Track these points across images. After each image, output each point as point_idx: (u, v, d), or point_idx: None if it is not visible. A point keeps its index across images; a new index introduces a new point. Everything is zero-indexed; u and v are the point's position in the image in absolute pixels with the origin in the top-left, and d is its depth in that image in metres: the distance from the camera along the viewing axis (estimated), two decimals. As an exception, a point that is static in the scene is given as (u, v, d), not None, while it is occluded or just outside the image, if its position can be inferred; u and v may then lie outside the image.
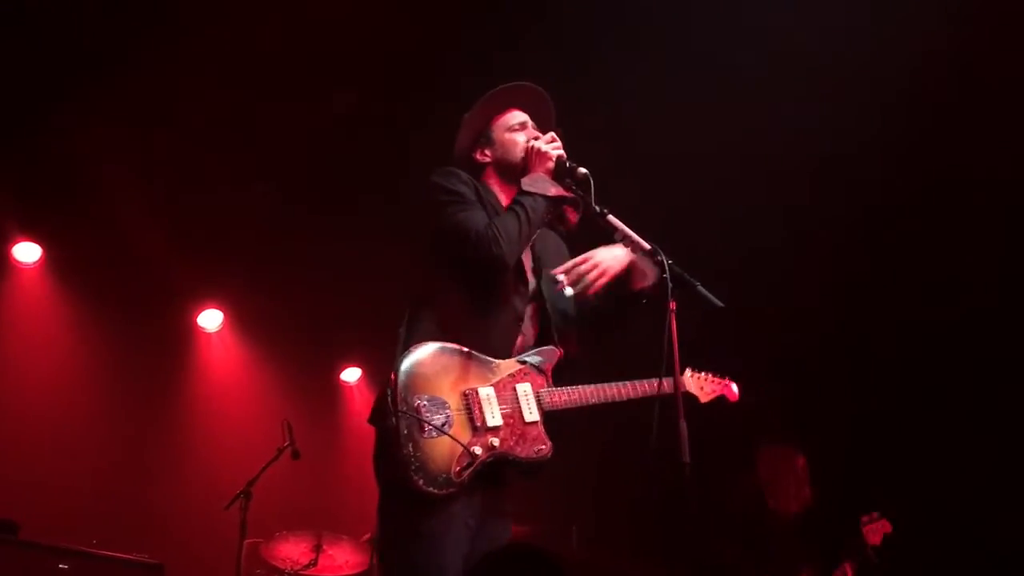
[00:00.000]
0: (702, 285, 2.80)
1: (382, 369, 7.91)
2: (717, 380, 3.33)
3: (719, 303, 2.79)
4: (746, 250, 5.95)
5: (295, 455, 5.45)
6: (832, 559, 4.82)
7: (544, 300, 3.11)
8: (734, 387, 3.35)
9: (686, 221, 5.42)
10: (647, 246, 2.87)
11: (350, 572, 5.78)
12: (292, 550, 5.60)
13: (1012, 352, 5.70)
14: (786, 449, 5.12)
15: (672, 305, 2.73)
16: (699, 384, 3.30)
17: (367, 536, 6.00)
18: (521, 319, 3.05)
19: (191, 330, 7.22)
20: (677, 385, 2.73)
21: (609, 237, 2.96)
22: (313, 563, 5.58)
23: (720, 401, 3.33)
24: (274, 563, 5.62)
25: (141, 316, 6.81)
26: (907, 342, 6.07)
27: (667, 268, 2.77)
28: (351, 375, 7.88)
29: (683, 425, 2.71)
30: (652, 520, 5.59)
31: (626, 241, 2.90)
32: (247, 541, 5.35)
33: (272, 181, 6.42)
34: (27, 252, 6.57)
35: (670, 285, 2.75)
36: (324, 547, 5.62)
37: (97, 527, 5.54)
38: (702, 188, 5.73)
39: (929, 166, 5.66)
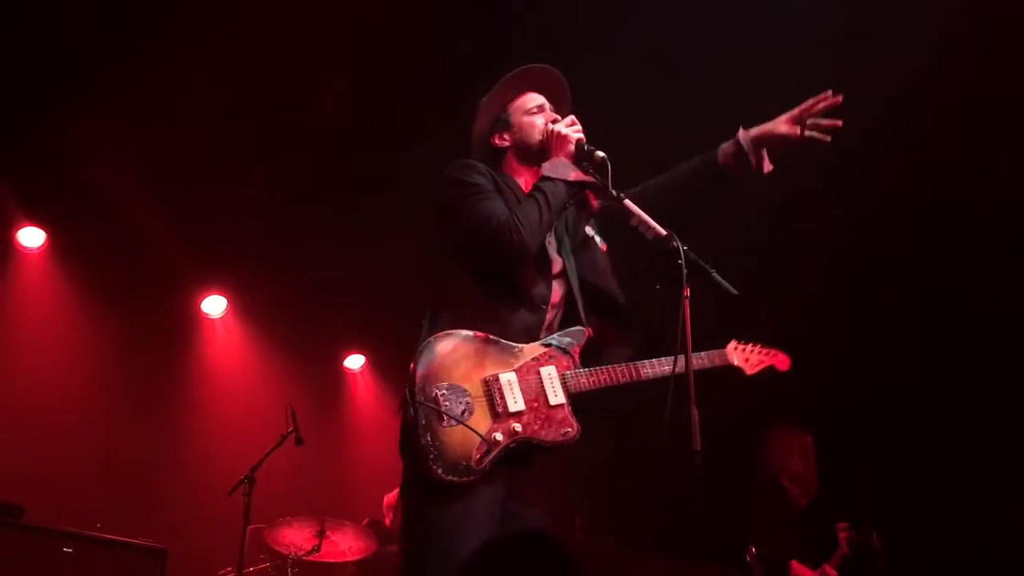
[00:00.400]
0: (717, 272, 2.78)
1: (386, 356, 7.98)
2: (765, 351, 3.27)
3: (733, 290, 2.78)
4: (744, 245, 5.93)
5: (298, 441, 5.45)
6: (826, 547, 4.81)
7: (570, 280, 3.09)
8: (784, 358, 3.29)
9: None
10: (663, 232, 2.84)
11: (353, 558, 5.81)
12: (295, 536, 5.61)
13: (1009, 353, 5.69)
14: (794, 432, 5.10)
15: (687, 292, 2.71)
16: (744, 356, 3.24)
17: (366, 521, 6.02)
18: (547, 302, 3.03)
19: (195, 316, 7.23)
20: (689, 370, 2.70)
21: (625, 221, 2.94)
22: (316, 549, 5.59)
23: (768, 373, 3.26)
24: (277, 548, 5.63)
25: (145, 302, 6.82)
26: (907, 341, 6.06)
27: (682, 254, 2.74)
28: (354, 362, 7.89)
29: (695, 412, 2.68)
30: (660, 509, 5.60)
31: (642, 226, 2.88)
32: (250, 527, 5.36)
33: (275, 168, 6.40)
34: (32, 237, 6.59)
35: (685, 272, 2.72)
36: (327, 533, 5.63)
37: (101, 512, 5.56)
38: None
39: (932, 161, 5.64)
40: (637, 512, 6.22)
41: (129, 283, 6.72)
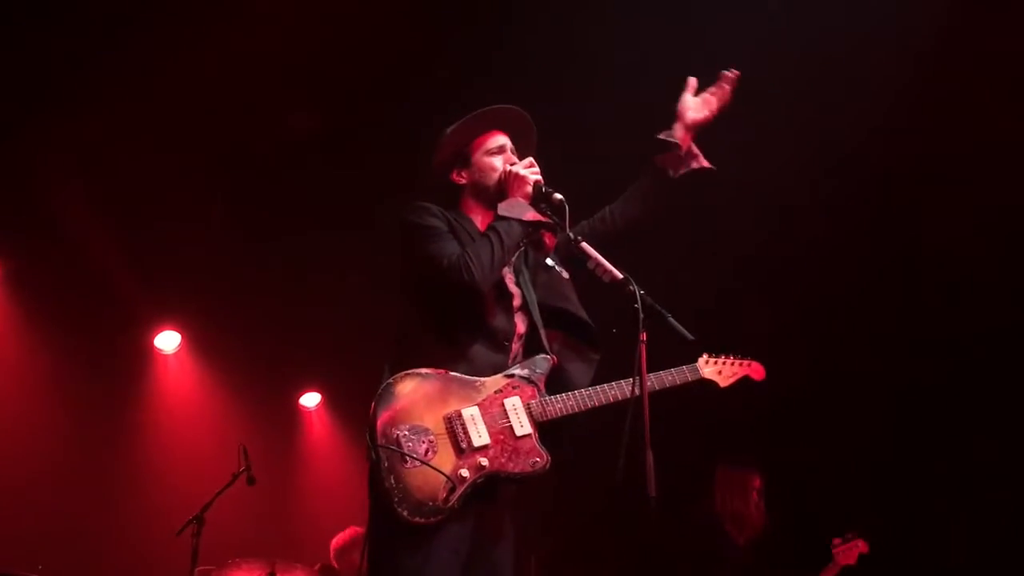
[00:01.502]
0: (673, 316, 2.80)
1: (343, 394, 7.91)
2: (739, 362, 3.28)
3: (689, 336, 2.80)
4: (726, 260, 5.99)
5: (250, 481, 5.34)
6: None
7: (531, 312, 3.10)
8: (758, 367, 3.30)
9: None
10: (619, 275, 2.88)
11: (303, 602, 5.66)
12: (245, 578, 5.47)
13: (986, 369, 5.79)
14: (742, 469, 5.13)
15: (643, 336, 2.73)
16: (716, 368, 3.24)
17: (318, 566, 5.90)
18: (510, 338, 3.05)
19: (148, 351, 7.09)
20: (646, 413, 2.71)
21: (582, 263, 2.97)
22: (266, 592, 5.45)
23: (743, 383, 3.27)
24: (226, 592, 5.48)
25: (97, 335, 6.68)
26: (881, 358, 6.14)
27: (639, 298, 2.77)
28: (310, 400, 7.78)
29: (650, 456, 2.69)
30: (614, 550, 5.58)
31: (599, 270, 2.91)
32: (198, 568, 5.22)
33: (233, 203, 6.36)
34: (-17, 268, 6.43)
35: (641, 316, 2.75)
36: (277, 575, 5.49)
37: (44, 552, 5.40)
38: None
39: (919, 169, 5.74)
40: (590, 552, 6.19)
41: (81, 316, 6.58)
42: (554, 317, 3.14)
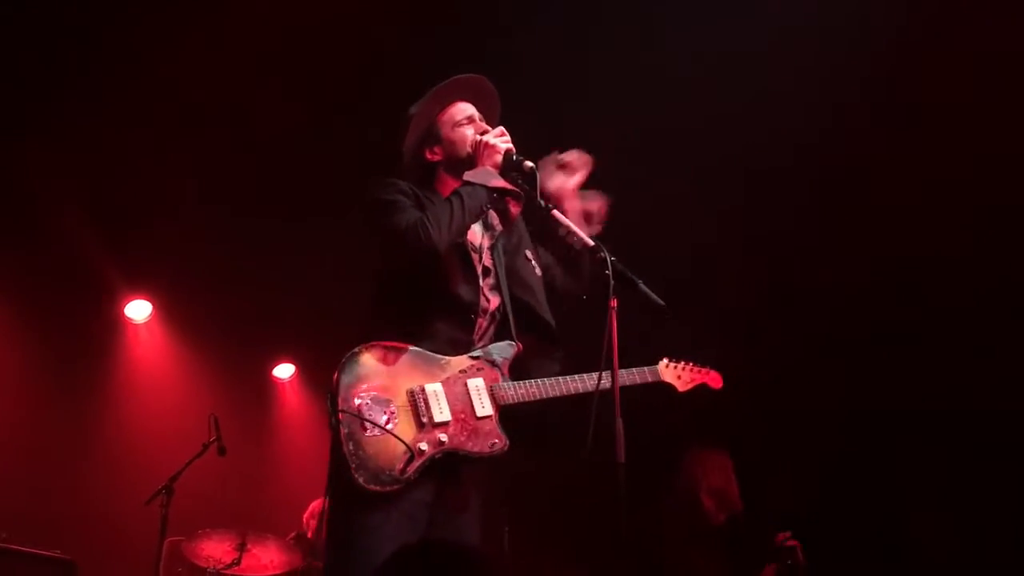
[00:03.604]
0: (644, 283, 2.78)
1: (317, 366, 7.86)
2: (697, 369, 3.31)
3: (660, 302, 2.79)
4: (688, 247, 6.00)
5: (221, 451, 5.32)
6: (755, 564, 4.84)
7: (503, 296, 3.08)
8: (716, 376, 3.34)
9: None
10: (590, 242, 2.85)
11: (275, 572, 5.66)
12: (215, 548, 5.45)
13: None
14: (714, 452, 5.14)
15: (613, 302, 2.71)
16: (676, 373, 3.27)
17: (292, 535, 5.89)
18: (475, 312, 3.02)
19: (118, 320, 7.01)
20: (615, 382, 2.70)
21: (554, 231, 2.93)
22: (236, 562, 5.44)
23: (700, 390, 3.31)
24: (196, 562, 5.47)
25: (67, 304, 6.61)
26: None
27: (609, 265, 2.74)
28: (284, 371, 7.74)
29: (620, 424, 2.68)
30: (586, 522, 5.59)
31: (570, 237, 2.87)
32: (168, 539, 5.20)
33: (207, 174, 6.28)
34: (-54, 237, 6.31)
35: (612, 282, 2.72)
36: (249, 546, 5.49)
37: (9, 521, 5.31)
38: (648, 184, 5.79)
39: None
40: (562, 524, 6.20)
41: (51, 285, 6.50)
42: (524, 310, 3.12)
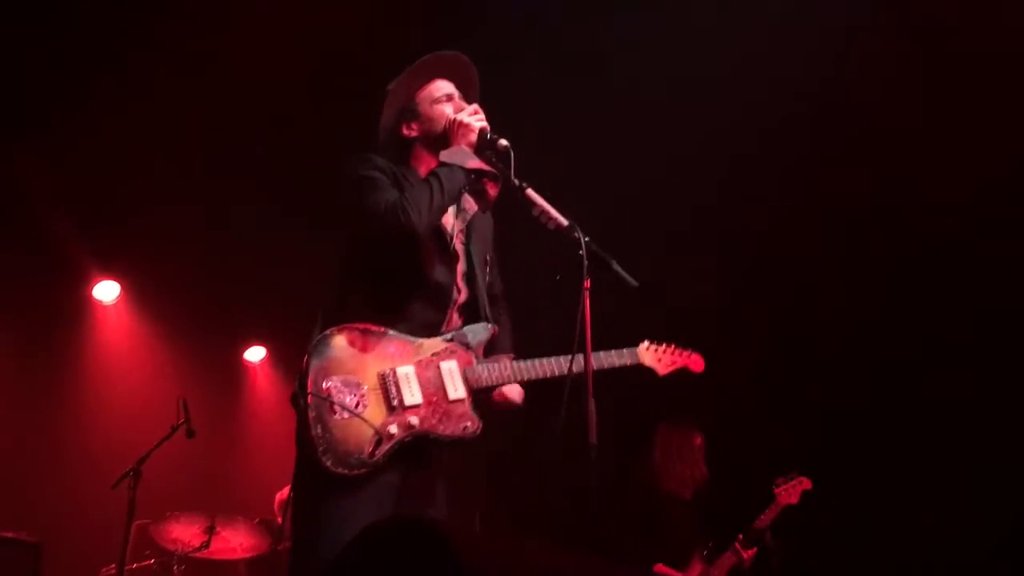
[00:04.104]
0: (617, 263, 2.77)
1: (288, 349, 7.80)
2: (679, 352, 3.31)
3: (633, 282, 2.78)
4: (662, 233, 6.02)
5: (190, 434, 5.25)
6: (724, 541, 4.87)
7: (478, 282, 3.06)
8: (698, 359, 3.34)
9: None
10: (564, 222, 2.84)
11: (244, 555, 5.63)
12: (183, 532, 5.40)
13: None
14: (684, 429, 5.16)
15: (587, 283, 2.70)
16: (656, 356, 3.27)
17: (258, 519, 5.85)
18: (449, 294, 3.00)
19: (85, 301, 6.91)
20: (588, 364, 2.70)
21: (527, 213, 2.91)
22: (205, 545, 5.39)
23: (681, 374, 3.30)
24: (164, 545, 5.41)
25: (34, 286, 6.51)
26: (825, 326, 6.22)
27: (583, 245, 2.73)
28: (255, 354, 7.69)
29: (592, 405, 2.68)
30: (558, 504, 5.60)
31: (543, 216, 2.86)
32: (136, 522, 5.13)
33: (177, 154, 6.20)
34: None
35: (585, 263, 2.72)
36: (218, 529, 5.43)
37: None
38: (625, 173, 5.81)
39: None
40: (533, 506, 6.21)
41: (17, 265, 6.38)
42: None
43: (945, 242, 5.70)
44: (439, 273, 2.97)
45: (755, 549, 4.78)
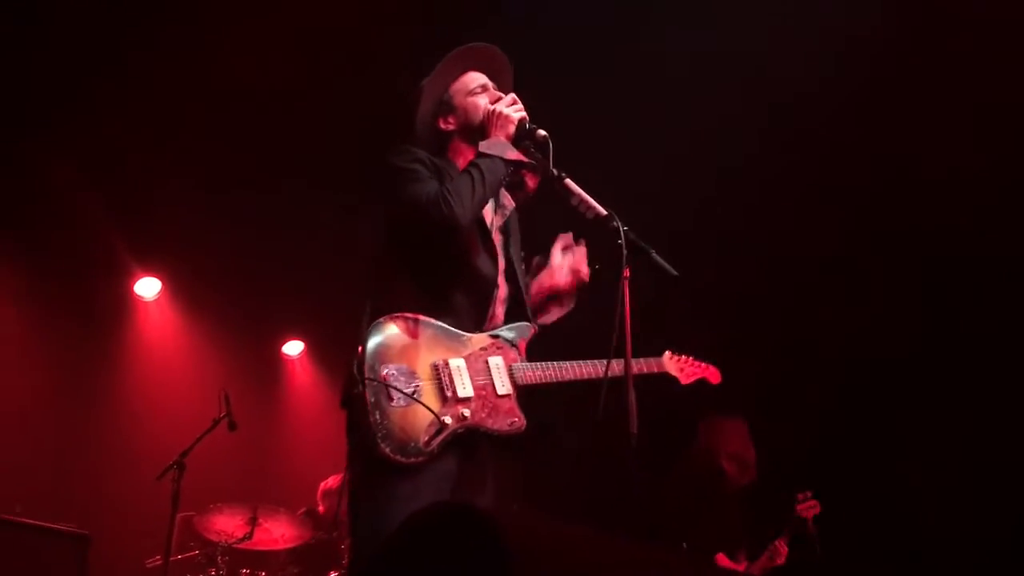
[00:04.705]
0: (656, 253, 2.77)
1: (325, 343, 7.86)
2: (698, 364, 3.43)
3: (673, 271, 2.78)
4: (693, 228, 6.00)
5: (231, 426, 5.32)
6: (769, 531, 4.87)
7: (518, 279, 3.08)
8: (715, 371, 3.47)
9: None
10: (603, 211, 2.84)
11: (286, 546, 5.70)
12: (227, 523, 5.48)
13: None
14: (731, 419, 5.18)
15: (626, 272, 2.70)
16: (679, 366, 3.39)
17: (303, 510, 5.92)
18: (492, 287, 3.01)
19: (127, 298, 7.02)
20: (628, 356, 2.69)
21: (566, 200, 2.91)
22: (248, 536, 5.47)
23: (701, 384, 3.44)
24: (208, 536, 5.50)
25: (77, 283, 6.63)
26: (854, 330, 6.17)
27: (622, 234, 2.73)
28: (293, 348, 7.76)
29: (632, 396, 2.68)
30: (600, 492, 5.61)
31: (582, 206, 2.86)
32: (180, 514, 5.21)
33: (216, 152, 6.26)
34: (-41, 217, 6.32)
35: (625, 252, 2.72)
36: (260, 520, 5.52)
37: (24, 496, 5.35)
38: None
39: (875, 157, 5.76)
40: (573, 495, 6.22)
41: (60, 262, 6.51)
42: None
43: (945, 242, 5.66)
44: (482, 266, 2.99)
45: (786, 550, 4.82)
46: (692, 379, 3.41)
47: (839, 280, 6.10)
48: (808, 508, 4.92)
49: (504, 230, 3.14)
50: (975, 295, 5.70)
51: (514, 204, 3.19)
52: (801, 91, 5.41)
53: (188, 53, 5.64)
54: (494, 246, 3.05)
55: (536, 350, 3.10)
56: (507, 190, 3.15)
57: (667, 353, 3.35)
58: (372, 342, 2.80)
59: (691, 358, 3.41)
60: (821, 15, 5.13)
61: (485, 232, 3.03)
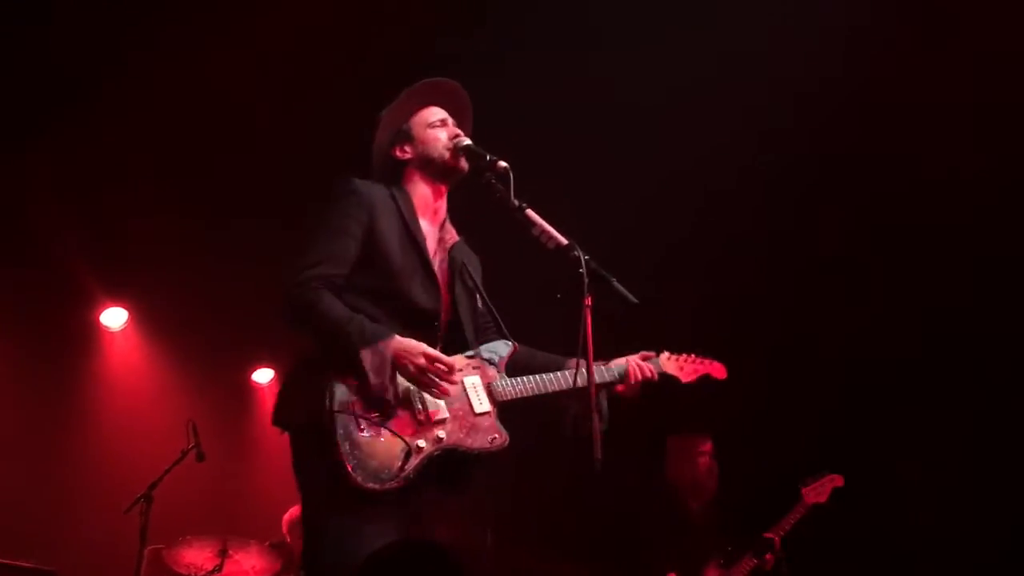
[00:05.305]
0: (617, 281, 2.81)
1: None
2: (700, 360, 3.39)
3: (633, 299, 2.82)
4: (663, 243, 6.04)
5: (200, 457, 5.30)
6: (739, 550, 4.89)
7: (461, 302, 3.10)
8: (719, 366, 3.42)
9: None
10: (564, 241, 2.88)
11: (258, 578, 5.64)
12: (196, 556, 5.44)
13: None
14: (694, 437, 5.22)
15: (588, 300, 2.74)
16: (678, 365, 3.35)
17: (268, 542, 5.87)
18: (432, 319, 3.02)
19: (93, 328, 6.95)
20: (591, 379, 2.73)
21: (527, 232, 2.95)
22: (218, 569, 5.43)
23: (703, 380, 3.39)
24: (177, 569, 5.45)
25: (42, 312, 6.54)
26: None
27: (583, 263, 2.77)
28: (263, 376, 7.70)
29: (596, 421, 2.71)
30: (569, 519, 5.61)
31: (543, 236, 2.89)
32: (149, 547, 5.17)
33: (180, 179, 6.24)
34: (-80, 245, 6.24)
35: (586, 280, 2.75)
36: (230, 552, 5.47)
37: (-12, 532, 5.29)
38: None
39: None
40: (544, 521, 6.22)
41: (25, 292, 6.43)
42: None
43: (945, 242, 5.71)
44: (419, 298, 3.00)
45: (771, 556, 4.81)
46: (694, 377, 3.36)
47: (839, 280, 6.12)
48: (820, 488, 4.85)
49: (452, 264, 3.14)
50: (975, 295, 5.73)
51: (457, 237, 3.20)
52: (801, 91, 5.43)
53: (160, 80, 5.62)
54: (436, 279, 3.06)
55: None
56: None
57: (664, 354, 3.33)
58: (336, 370, 2.77)
59: (692, 356, 3.38)
60: (821, 15, 5.14)
61: (427, 265, 3.04)
